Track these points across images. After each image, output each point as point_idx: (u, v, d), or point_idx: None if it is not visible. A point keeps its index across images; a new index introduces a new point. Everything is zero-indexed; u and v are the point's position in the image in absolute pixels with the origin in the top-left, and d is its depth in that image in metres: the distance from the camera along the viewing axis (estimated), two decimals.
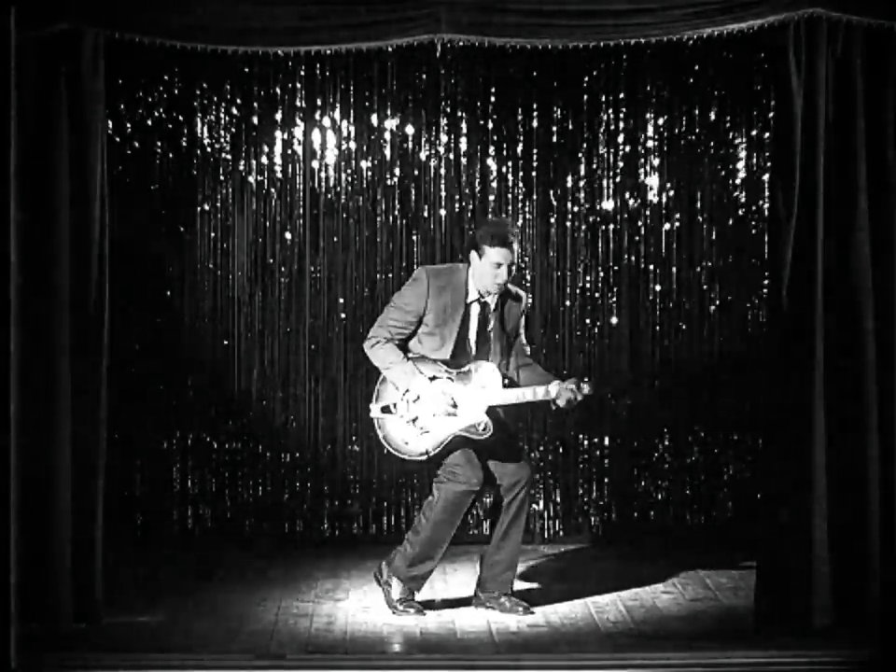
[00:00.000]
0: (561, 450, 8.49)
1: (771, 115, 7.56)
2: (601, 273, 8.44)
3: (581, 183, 8.40)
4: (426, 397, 6.67)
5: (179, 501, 8.35)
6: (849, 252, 6.35)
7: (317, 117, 8.29)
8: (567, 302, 8.44)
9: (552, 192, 8.41)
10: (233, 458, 8.40)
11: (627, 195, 8.41)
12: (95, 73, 6.31)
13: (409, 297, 6.77)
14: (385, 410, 6.73)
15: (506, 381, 6.73)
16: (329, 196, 8.34)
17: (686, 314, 8.43)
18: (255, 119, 8.27)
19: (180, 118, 8.23)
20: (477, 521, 8.37)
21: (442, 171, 8.36)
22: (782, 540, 6.39)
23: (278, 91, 8.25)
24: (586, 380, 6.68)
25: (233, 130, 8.28)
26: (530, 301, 6.99)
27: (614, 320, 8.45)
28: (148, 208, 8.24)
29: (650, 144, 8.38)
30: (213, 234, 8.33)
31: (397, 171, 8.36)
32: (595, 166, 8.38)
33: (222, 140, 8.28)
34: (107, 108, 6.63)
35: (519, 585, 7.23)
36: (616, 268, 8.43)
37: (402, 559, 6.80)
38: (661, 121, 8.36)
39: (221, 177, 8.30)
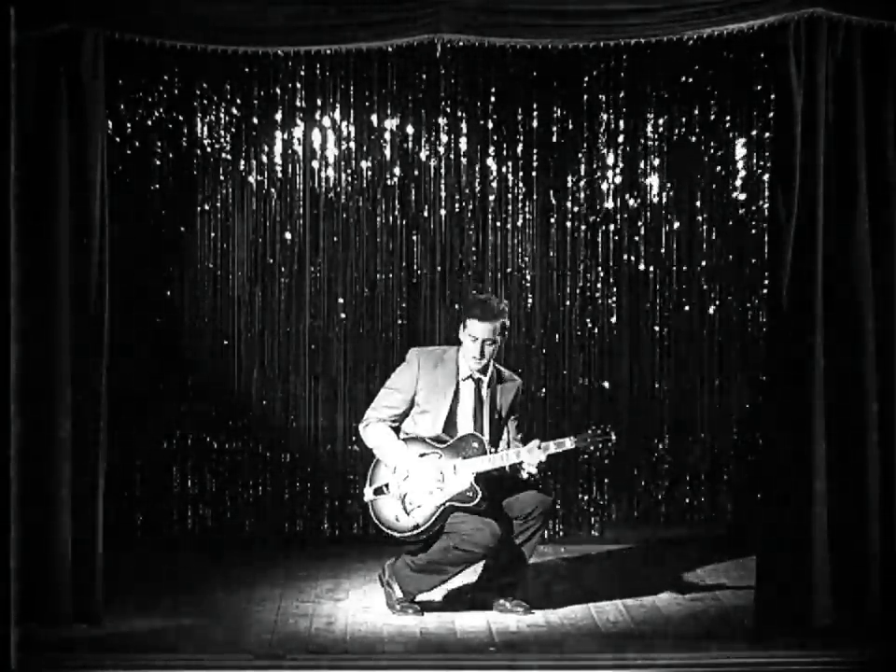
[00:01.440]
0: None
1: (771, 115, 7.56)
2: (601, 273, 8.44)
3: (581, 183, 8.40)
4: (414, 473, 6.73)
5: (179, 501, 8.35)
6: (849, 252, 6.35)
7: (317, 117, 8.29)
8: (567, 302, 8.44)
9: (552, 192, 8.41)
10: (233, 458, 8.40)
11: (627, 195, 8.41)
12: (95, 73, 6.31)
13: (399, 378, 6.88)
14: (378, 492, 6.80)
15: (492, 449, 6.78)
16: (329, 196, 8.34)
17: (686, 314, 8.42)
18: (255, 119, 8.27)
19: (180, 118, 8.23)
20: None
21: (442, 171, 8.36)
22: (782, 540, 6.38)
23: (278, 90, 8.24)
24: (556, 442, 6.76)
25: (233, 130, 8.28)
26: (522, 386, 7.06)
27: (614, 320, 8.45)
28: (148, 208, 8.24)
29: (650, 144, 8.38)
30: (213, 234, 8.32)
31: (397, 171, 8.36)
32: (594, 166, 8.38)
33: (222, 140, 8.28)
34: (107, 108, 6.63)
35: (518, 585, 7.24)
36: (616, 268, 8.43)
37: (406, 568, 6.84)
38: (661, 121, 8.36)
39: (221, 177, 8.30)
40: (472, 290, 8.18)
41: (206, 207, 8.32)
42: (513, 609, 6.82)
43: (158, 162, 8.25)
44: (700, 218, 8.42)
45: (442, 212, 8.37)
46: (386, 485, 6.78)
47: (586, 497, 8.49)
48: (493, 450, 6.78)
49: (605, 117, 8.35)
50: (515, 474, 6.76)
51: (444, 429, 6.81)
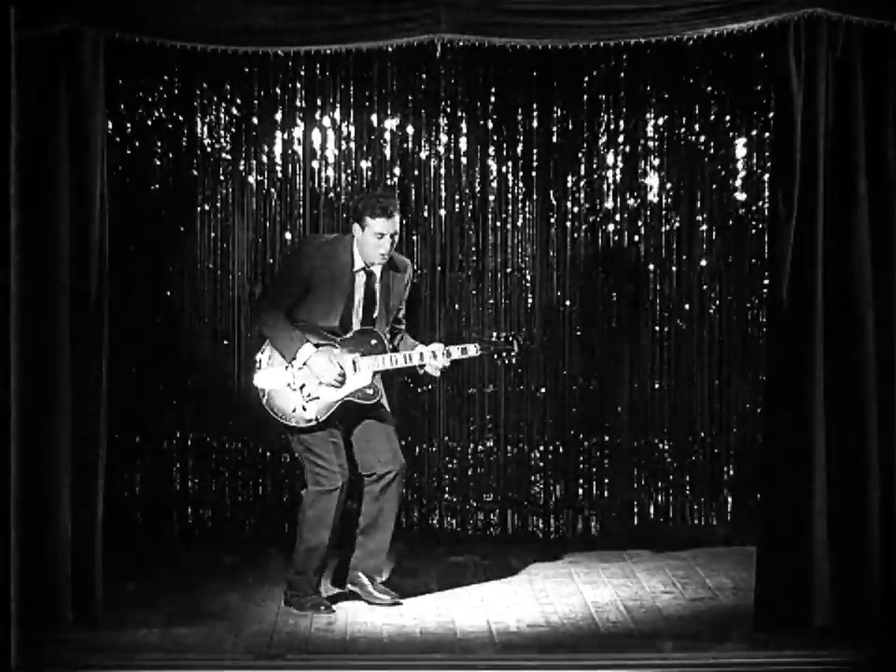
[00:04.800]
0: (561, 450, 8.49)
1: (771, 115, 7.56)
2: (601, 273, 8.44)
3: (581, 183, 8.40)
4: (312, 364, 6.70)
5: (179, 501, 8.35)
6: (849, 252, 6.35)
7: (317, 117, 8.29)
8: (567, 302, 8.44)
9: (552, 192, 8.41)
10: (233, 458, 8.40)
11: (627, 195, 8.41)
12: (95, 73, 6.31)
13: (292, 267, 6.85)
14: (269, 380, 6.74)
15: (389, 346, 6.81)
16: (329, 196, 8.34)
17: (686, 314, 8.42)
18: (255, 119, 8.27)
19: (180, 118, 8.23)
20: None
21: (442, 171, 8.36)
22: (782, 540, 6.38)
23: (278, 90, 8.25)
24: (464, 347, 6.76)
25: (233, 130, 8.28)
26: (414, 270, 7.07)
27: (614, 320, 8.44)
28: (148, 208, 8.24)
29: (650, 144, 8.38)
30: (213, 234, 8.33)
31: (397, 171, 8.36)
32: (595, 166, 8.38)
33: (222, 140, 8.28)
34: (107, 108, 6.63)
35: (518, 585, 7.24)
36: (616, 268, 8.43)
37: (291, 567, 6.91)
38: (661, 121, 8.36)
39: (221, 177, 8.30)
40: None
41: (206, 207, 8.32)
42: (380, 599, 6.86)
43: (158, 162, 8.25)
44: (700, 218, 8.42)
45: (442, 212, 8.37)
46: (277, 374, 6.74)
47: (586, 498, 8.48)
48: (390, 347, 6.80)
49: (605, 117, 8.35)
50: (413, 373, 6.81)
51: (338, 320, 6.77)
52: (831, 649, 6.13)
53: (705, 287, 8.43)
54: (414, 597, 7.06)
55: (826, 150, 6.31)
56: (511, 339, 6.85)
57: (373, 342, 6.78)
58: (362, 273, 6.80)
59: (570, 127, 8.36)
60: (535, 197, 8.40)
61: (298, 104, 8.27)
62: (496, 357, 6.94)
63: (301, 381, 6.72)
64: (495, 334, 6.87)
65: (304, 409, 6.72)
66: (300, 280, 6.77)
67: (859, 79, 6.31)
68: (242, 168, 8.30)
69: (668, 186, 8.40)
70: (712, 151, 8.39)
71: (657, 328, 8.43)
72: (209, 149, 8.28)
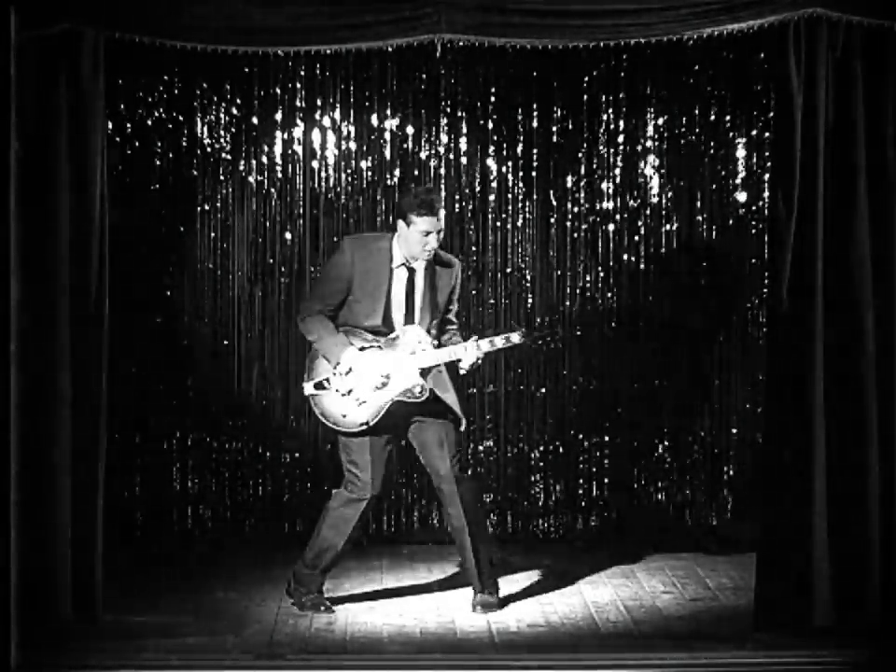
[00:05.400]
0: (561, 450, 8.49)
1: (771, 115, 7.56)
2: (601, 273, 8.44)
3: (581, 183, 8.40)
4: (358, 368, 6.68)
5: (179, 501, 8.35)
6: (849, 252, 6.35)
7: (317, 117, 8.29)
8: (567, 302, 8.44)
9: (552, 192, 8.41)
10: (233, 458, 8.40)
11: (627, 195, 8.41)
12: (95, 73, 6.31)
13: (334, 268, 6.80)
14: (319, 386, 6.74)
15: (434, 343, 6.75)
16: (329, 196, 8.34)
17: (686, 313, 8.42)
18: (255, 119, 8.27)
19: (180, 118, 8.23)
20: None
21: (442, 171, 8.36)
22: (782, 540, 6.39)
23: (278, 90, 8.25)
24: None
25: (233, 130, 8.28)
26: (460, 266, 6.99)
27: (614, 320, 8.44)
28: (148, 208, 8.24)
29: (650, 144, 8.38)
30: (213, 234, 8.33)
31: (397, 171, 8.36)
32: (595, 166, 8.39)
33: (222, 140, 8.28)
34: (107, 108, 6.63)
35: (518, 585, 7.24)
36: (616, 268, 8.43)
37: (301, 560, 6.87)
38: (661, 121, 8.36)
39: (221, 177, 8.31)
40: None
41: (206, 207, 8.32)
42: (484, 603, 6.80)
43: (158, 162, 8.25)
44: (700, 218, 8.42)
45: (442, 212, 8.34)
46: (327, 380, 6.73)
47: (586, 498, 8.48)
48: (435, 343, 6.74)
49: (605, 117, 8.35)
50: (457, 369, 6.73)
51: (381, 319, 6.74)
52: (831, 649, 6.13)
53: (705, 286, 8.43)
54: (414, 596, 7.07)
55: (826, 150, 6.31)
56: (553, 325, 6.79)
57: (418, 340, 6.72)
58: (402, 269, 6.76)
59: (570, 127, 8.36)
60: (535, 197, 8.40)
61: (298, 104, 8.27)
62: (539, 343, 6.89)
63: (349, 386, 6.70)
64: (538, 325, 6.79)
65: (354, 413, 6.68)
66: (340, 279, 6.74)
67: (859, 79, 6.31)
68: (242, 168, 8.30)
69: (668, 186, 8.40)
70: (712, 151, 8.39)
71: (657, 327, 8.43)
72: (209, 149, 8.27)
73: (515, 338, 6.69)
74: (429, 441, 6.77)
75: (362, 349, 6.70)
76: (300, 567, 6.88)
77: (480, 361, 6.71)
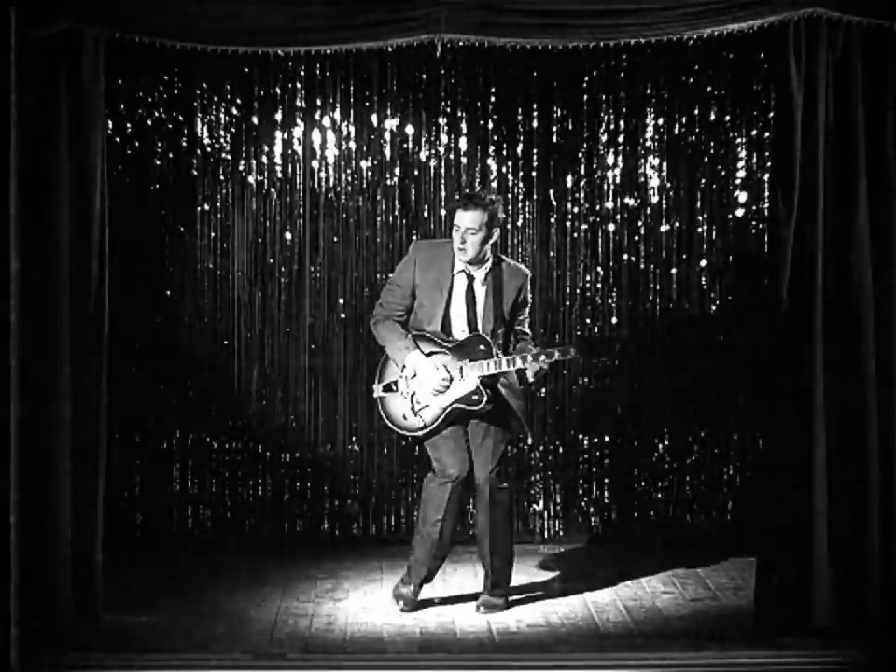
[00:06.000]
0: (561, 450, 8.49)
1: (771, 115, 7.56)
2: (601, 273, 8.44)
3: (581, 183, 8.40)
4: (422, 372, 6.70)
5: (179, 501, 8.35)
6: (849, 252, 6.35)
7: (317, 117, 8.29)
8: (567, 302, 8.44)
9: (552, 192, 8.41)
10: (233, 458, 8.39)
11: (627, 195, 8.41)
12: (95, 73, 6.31)
13: (400, 273, 6.86)
14: (388, 388, 6.80)
15: (498, 352, 6.74)
16: (329, 196, 8.34)
17: (686, 314, 8.42)
18: (255, 119, 8.27)
19: (180, 118, 8.23)
20: None
21: (442, 171, 8.36)
22: (782, 540, 6.39)
23: (278, 90, 8.25)
24: (559, 350, 6.68)
25: (233, 130, 8.28)
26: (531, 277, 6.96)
27: (614, 320, 8.45)
28: (148, 208, 8.24)
29: (649, 144, 8.38)
30: (213, 234, 8.33)
31: (397, 171, 8.36)
32: (595, 166, 8.39)
33: (222, 140, 8.28)
34: (107, 108, 6.63)
35: (518, 585, 7.24)
36: (616, 268, 8.43)
37: (409, 560, 6.85)
38: (661, 121, 8.36)
39: (221, 177, 8.30)
40: None
41: (206, 207, 8.32)
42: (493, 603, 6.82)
43: (158, 162, 8.25)
44: (700, 218, 8.42)
45: (442, 212, 8.37)
46: (395, 383, 6.77)
47: (586, 498, 8.48)
48: (498, 353, 6.72)
49: (605, 117, 8.35)
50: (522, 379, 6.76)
51: (441, 325, 6.75)
52: (831, 649, 6.13)
53: (705, 286, 8.43)
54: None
55: (826, 150, 6.31)
56: (610, 341, 6.80)
57: (481, 347, 6.70)
58: (462, 275, 6.77)
59: (570, 127, 8.36)
60: (535, 197, 8.40)
61: (298, 104, 8.27)
62: (594, 360, 6.91)
63: (413, 389, 6.73)
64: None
65: (415, 416, 6.72)
66: (405, 284, 6.79)
67: (859, 79, 6.31)
68: (242, 168, 8.30)
69: (668, 186, 8.40)
70: (712, 151, 8.39)
71: (657, 327, 8.43)
72: (209, 149, 8.27)
73: (572, 352, 6.69)
74: (480, 445, 6.78)
75: (429, 354, 6.72)
76: (411, 560, 6.86)
77: (545, 370, 6.72)
